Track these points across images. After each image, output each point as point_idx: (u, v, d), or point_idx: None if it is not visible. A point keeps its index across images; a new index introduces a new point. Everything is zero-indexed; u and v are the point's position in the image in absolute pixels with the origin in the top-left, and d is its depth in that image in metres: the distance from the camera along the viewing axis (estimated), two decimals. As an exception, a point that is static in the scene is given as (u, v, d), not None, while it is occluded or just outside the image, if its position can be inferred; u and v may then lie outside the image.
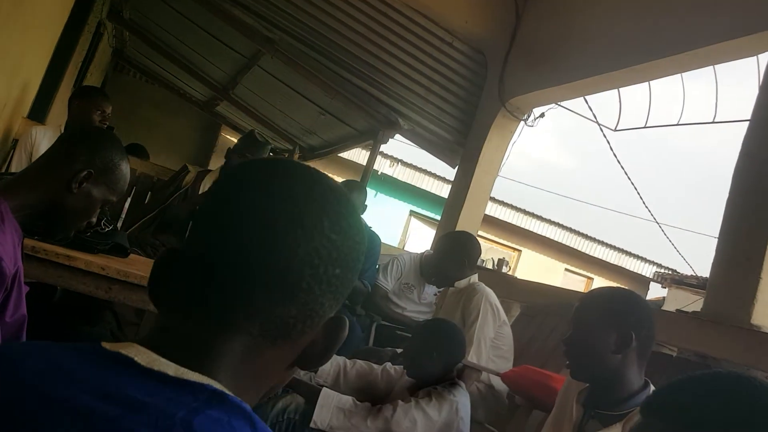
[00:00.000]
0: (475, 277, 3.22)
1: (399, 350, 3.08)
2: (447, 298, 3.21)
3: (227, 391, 0.60)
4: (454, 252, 3.22)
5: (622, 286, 2.03)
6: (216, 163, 3.49)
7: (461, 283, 3.18)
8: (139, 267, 2.20)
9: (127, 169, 1.58)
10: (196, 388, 0.59)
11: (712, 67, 3.88)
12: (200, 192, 3.55)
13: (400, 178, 13.02)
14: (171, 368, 0.59)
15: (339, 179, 12.63)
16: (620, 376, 1.70)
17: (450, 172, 5.81)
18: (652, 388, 1.72)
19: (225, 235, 0.66)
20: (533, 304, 3.62)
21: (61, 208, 1.47)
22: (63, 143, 1.54)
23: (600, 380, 1.73)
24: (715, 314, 2.51)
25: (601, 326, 1.70)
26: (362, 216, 3.42)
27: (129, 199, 4.32)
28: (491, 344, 3.04)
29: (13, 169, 3.57)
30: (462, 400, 2.27)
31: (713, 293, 2.62)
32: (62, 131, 3.59)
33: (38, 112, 4.90)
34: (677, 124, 4.54)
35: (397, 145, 7.60)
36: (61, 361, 0.60)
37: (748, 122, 2.78)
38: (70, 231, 1.57)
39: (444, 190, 12.44)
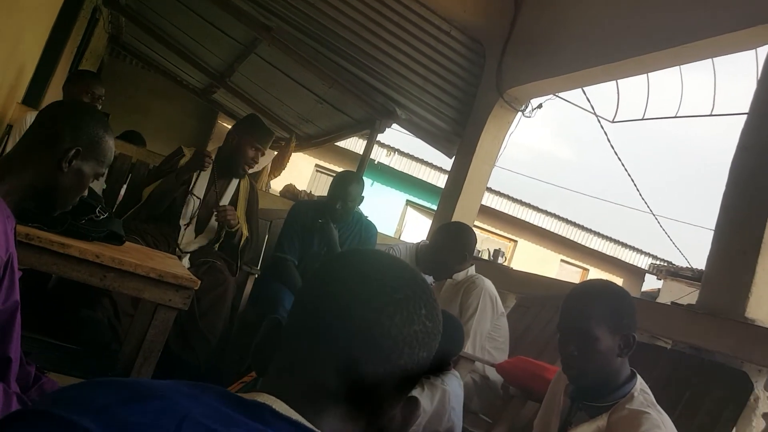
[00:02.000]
0: (472, 269, 3.22)
1: None
2: (444, 290, 3.20)
3: None
4: (453, 244, 3.20)
5: (607, 281, 2.01)
6: (212, 148, 3.47)
7: (459, 275, 3.17)
8: (134, 255, 2.19)
9: (112, 140, 1.59)
10: None
11: (710, 59, 3.88)
12: (194, 178, 3.43)
13: (396, 167, 13.02)
14: (304, 421, 0.68)
15: (336, 168, 12.67)
16: (615, 373, 1.70)
17: (446, 162, 5.81)
18: (639, 378, 1.73)
19: (337, 314, 0.73)
20: (529, 295, 3.62)
21: (54, 187, 1.48)
22: (44, 123, 1.53)
23: (598, 381, 1.72)
24: (710, 307, 2.52)
25: (607, 332, 1.67)
26: (360, 207, 3.40)
27: (125, 187, 4.30)
28: (488, 336, 3.04)
29: (8, 154, 3.55)
30: (455, 390, 2.27)
31: (708, 286, 2.63)
32: None
33: (33, 98, 4.87)
34: (675, 117, 4.54)
35: (394, 134, 7.62)
36: (217, 405, 0.64)
37: (745, 115, 2.77)
38: (64, 209, 1.58)
39: (440, 180, 12.44)
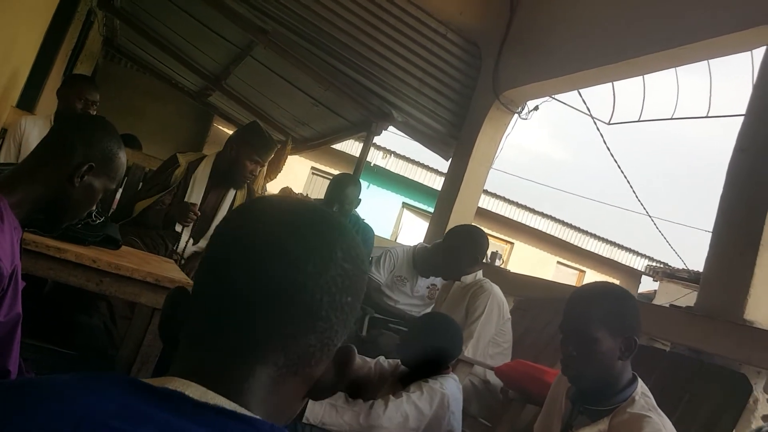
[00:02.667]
0: (480, 273, 3.22)
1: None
2: (452, 293, 3.20)
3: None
4: (468, 247, 3.21)
5: (611, 283, 2.00)
6: (208, 152, 3.43)
7: (467, 278, 3.17)
8: (131, 259, 2.18)
9: (125, 156, 1.59)
10: (254, 422, 0.61)
11: (706, 61, 3.88)
12: (190, 189, 3.34)
13: (392, 169, 13.01)
14: (224, 402, 0.61)
15: (332, 171, 12.64)
16: (616, 376, 1.69)
17: (443, 164, 5.80)
18: (640, 382, 1.72)
19: (247, 268, 0.67)
20: (527, 297, 3.62)
21: (64, 201, 1.48)
22: (58, 135, 1.52)
23: (599, 384, 1.71)
24: (709, 309, 2.52)
25: (607, 335, 1.66)
26: (356, 209, 3.38)
27: (120, 190, 4.28)
28: (492, 341, 3.04)
29: (2, 159, 3.52)
30: (454, 393, 2.26)
31: (706, 288, 2.63)
32: (52, 122, 3.55)
33: (27, 102, 4.85)
34: (671, 118, 4.55)
35: (390, 136, 7.61)
36: (123, 400, 0.58)
37: (741, 117, 2.78)
38: (71, 222, 1.58)
39: (437, 182, 12.44)
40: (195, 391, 0.61)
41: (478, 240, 3.26)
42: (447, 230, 3.53)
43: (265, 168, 7.71)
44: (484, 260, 6.03)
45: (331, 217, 0.74)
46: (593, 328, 1.67)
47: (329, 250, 0.69)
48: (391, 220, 13.64)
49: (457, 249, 3.22)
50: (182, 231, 3.25)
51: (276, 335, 0.66)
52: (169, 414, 0.57)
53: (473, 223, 4.64)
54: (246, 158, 3.33)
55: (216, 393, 0.62)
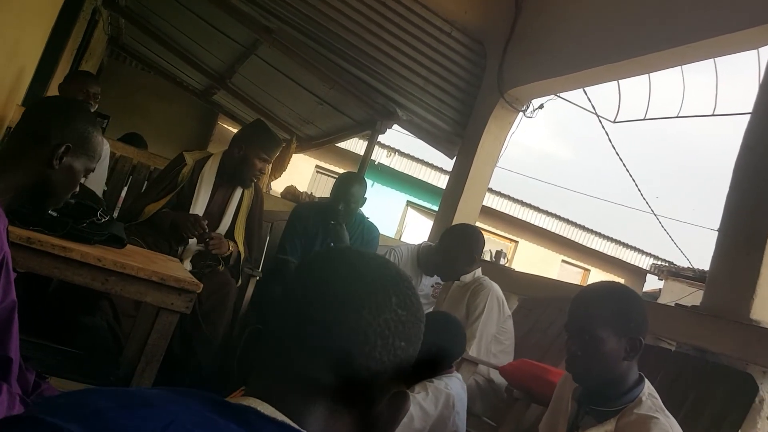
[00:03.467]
0: (479, 271, 3.21)
1: None
2: (451, 292, 3.19)
3: None
4: (462, 246, 3.20)
5: (618, 283, 1.99)
6: (213, 150, 3.42)
7: (466, 278, 3.16)
8: (136, 258, 2.18)
9: (100, 134, 1.59)
10: None
11: (712, 59, 3.86)
12: (198, 188, 3.30)
13: (397, 168, 13.01)
14: (290, 422, 0.68)
15: (337, 169, 12.63)
16: (622, 377, 1.68)
17: (447, 163, 5.79)
18: (647, 382, 1.71)
19: (310, 313, 0.75)
20: (531, 297, 3.61)
21: (47, 185, 1.48)
22: (31, 120, 1.52)
23: (603, 384, 1.71)
24: (714, 308, 2.50)
25: (612, 334, 1.65)
26: (362, 208, 3.37)
27: (125, 189, 4.29)
28: (494, 339, 3.04)
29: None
30: (458, 393, 2.25)
31: (712, 287, 2.61)
32: None
33: (33, 100, 4.86)
34: (677, 117, 4.53)
35: (395, 135, 7.59)
36: (205, 413, 0.65)
37: (748, 115, 2.76)
38: (57, 206, 1.58)
39: (441, 181, 12.43)
40: (266, 409, 0.68)
41: (474, 239, 3.25)
42: (443, 230, 3.51)
43: (270, 166, 7.73)
44: (489, 259, 6.01)
45: (392, 267, 0.81)
46: (598, 328, 1.66)
47: (385, 295, 0.75)
48: (396, 218, 13.63)
49: (453, 250, 3.21)
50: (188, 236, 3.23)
51: (331, 372, 0.72)
52: (240, 426, 0.64)
53: (476, 222, 4.64)
54: (254, 156, 3.31)
55: (281, 413, 0.69)
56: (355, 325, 0.73)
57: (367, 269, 0.78)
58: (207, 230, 3.15)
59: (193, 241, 3.24)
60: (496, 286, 3.08)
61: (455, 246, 3.20)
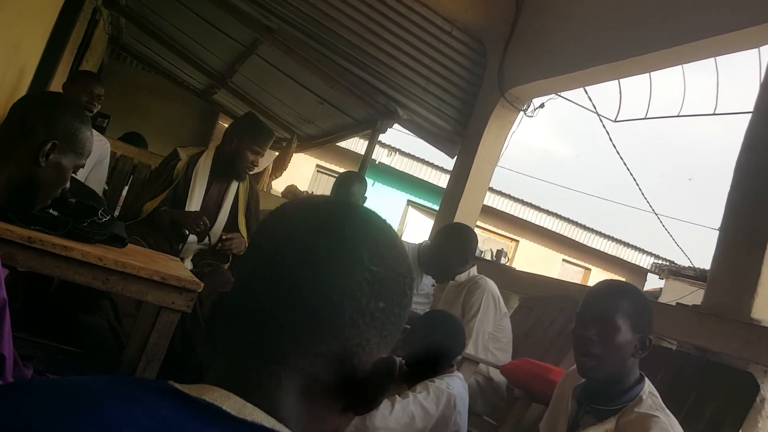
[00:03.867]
0: (474, 270, 3.20)
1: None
2: (447, 292, 3.19)
3: None
4: (456, 246, 3.19)
5: (628, 282, 2.00)
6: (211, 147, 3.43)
7: (461, 277, 3.16)
8: (137, 257, 2.18)
9: (90, 130, 1.57)
10: None
11: (713, 58, 3.86)
12: (192, 183, 3.31)
13: (397, 167, 13.00)
14: (262, 417, 0.59)
15: (337, 169, 12.59)
16: (625, 374, 1.69)
17: (448, 162, 5.79)
18: (647, 381, 1.72)
19: (265, 274, 0.66)
20: (532, 296, 3.61)
21: (34, 182, 1.47)
22: (17, 117, 1.51)
23: (607, 380, 1.71)
24: (715, 308, 2.51)
25: (628, 327, 1.66)
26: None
27: (126, 188, 4.29)
28: (491, 337, 3.03)
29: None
30: (460, 392, 2.25)
31: (713, 287, 2.61)
32: None
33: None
34: (678, 116, 4.53)
35: (395, 134, 7.59)
36: (157, 411, 0.57)
37: (749, 114, 2.76)
38: (45, 203, 1.57)
39: (441, 180, 12.43)
40: (233, 404, 0.59)
41: (466, 238, 3.24)
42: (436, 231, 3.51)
43: (270, 166, 7.74)
44: (490, 258, 6.01)
45: (358, 213, 0.69)
46: (618, 316, 1.68)
47: (352, 251, 0.65)
48: (396, 217, 13.63)
49: (443, 248, 3.20)
50: (188, 233, 3.23)
51: (299, 342, 0.63)
52: (208, 428, 0.56)
53: (477, 221, 4.64)
54: (246, 149, 3.31)
55: (253, 405, 0.60)
56: (318, 289, 0.63)
57: (327, 221, 0.66)
58: (209, 225, 3.16)
59: (193, 239, 3.25)
60: (491, 284, 3.07)
61: (448, 246, 3.20)
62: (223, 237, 3.20)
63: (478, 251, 3.94)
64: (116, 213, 4.04)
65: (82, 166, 1.59)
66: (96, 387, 0.58)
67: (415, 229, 12.79)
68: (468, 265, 3.19)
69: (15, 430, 0.53)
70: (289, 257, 0.64)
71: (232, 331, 0.67)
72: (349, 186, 3.60)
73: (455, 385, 2.25)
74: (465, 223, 3.48)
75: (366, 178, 3.95)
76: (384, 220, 0.71)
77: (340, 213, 0.68)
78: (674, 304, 3.02)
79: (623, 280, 2.10)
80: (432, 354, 2.30)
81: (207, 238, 3.26)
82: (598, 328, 1.70)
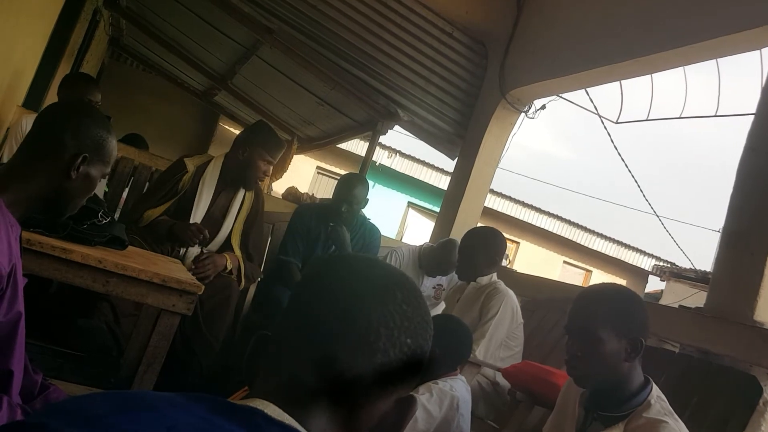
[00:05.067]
0: (495, 275, 3.20)
1: None
2: (467, 293, 3.18)
3: None
4: (486, 247, 3.20)
5: (619, 284, 1.98)
6: (214, 151, 3.42)
7: (483, 280, 3.16)
8: (137, 260, 2.17)
9: (114, 137, 1.57)
10: None
11: (714, 60, 3.85)
12: (199, 193, 3.25)
13: (398, 169, 13.00)
14: (296, 425, 0.68)
15: (338, 170, 12.56)
16: (625, 379, 1.67)
17: (448, 164, 5.78)
18: (653, 385, 1.70)
19: (311, 318, 0.75)
20: (534, 298, 3.60)
21: (64, 195, 1.47)
22: (44, 129, 1.50)
23: (606, 386, 1.69)
24: (718, 310, 2.49)
25: (612, 335, 1.64)
26: (363, 209, 3.34)
27: (127, 190, 4.28)
28: (504, 344, 3.03)
29: (6, 158, 3.51)
30: (463, 395, 2.24)
31: (716, 289, 2.60)
32: None
33: (33, 101, 4.85)
34: (679, 117, 4.52)
35: (396, 136, 7.58)
36: (208, 416, 0.64)
37: (751, 116, 2.75)
38: (73, 212, 1.57)
39: (442, 182, 12.42)
40: (273, 410, 0.68)
41: (496, 242, 3.26)
42: (460, 230, 3.51)
43: (271, 167, 7.72)
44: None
45: (396, 271, 0.82)
46: (598, 328, 1.65)
47: (389, 289, 0.76)
48: (397, 219, 13.62)
49: (473, 248, 3.20)
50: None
51: (335, 370, 0.71)
52: (246, 430, 0.62)
53: (477, 223, 4.63)
54: (258, 158, 3.26)
55: (290, 416, 0.68)
56: (358, 317, 0.73)
57: (370, 271, 0.79)
58: (208, 237, 3.12)
59: (196, 248, 3.21)
60: (511, 293, 3.08)
61: (478, 245, 3.20)
62: (201, 257, 3.10)
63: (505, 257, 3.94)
64: (116, 215, 4.03)
65: (108, 174, 1.60)
66: (152, 395, 0.66)
67: (416, 230, 12.78)
68: (494, 268, 3.19)
69: (83, 423, 0.60)
70: (340, 300, 0.75)
71: (278, 362, 0.75)
72: (352, 188, 3.59)
73: (458, 387, 2.24)
74: (495, 228, 3.45)
75: (368, 180, 3.94)
76: (410, 280, 0.82)
77: (379, 266, 0.82)
78: (676, 306, 3.00)
79: (606, 283, 2.07)
80: (438, 357, 2.28)
81: (207, 243, 3.23)
82: (580, 342, 1.69)
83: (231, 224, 3.32)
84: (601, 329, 1.65)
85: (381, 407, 0.74)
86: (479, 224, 4.06)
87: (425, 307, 0.79)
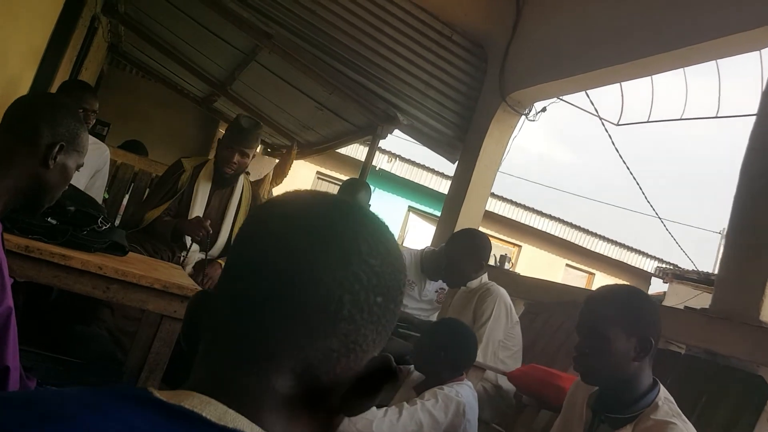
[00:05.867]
0: (485, 277, 3.18)
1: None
2: (457, 298, 3.16)
3: None
4: (471, 252, 3.17)
5: (630, 285, 1.97)
6: (213, 155, 3.46)
7: (473, 283, 3.13)
8: (137, 266, 2.15)
9: (86, 130, 1.58)
10: None
11: (714, 61, 3.84)
12: (195, 194, 3.31)
13: (398, 173, 12.99)
14: (245, 424, 0.56)
15: (338, 175, 12.53)
16: (634, 380, 1.65)
17: (448, 168, 5.76)
18: (661, 386, 1.68)
19: (257, 271, 0.61)
20: (537, 301, 3.58)
21: (42, 185, 1.47)
22: (18, 121, 1.50)
23: (614, 385, 1.68)
24: (724, 311, 2.48)
25: (621, 333, 1.63)
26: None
27: (127, 196, 4.27)
28: (501, 345, 3.00)
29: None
30: (469, 401, 2.22)
31: (722, 290, 2.58)
32: None
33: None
34: (680, 119, 4.51)
35: (396, 140, 7.59)
36: (132, 421, 0.54)
37: (753, 117, 2.74)
38: (50, 204, 1.57)
39: (442, 186, 12.41)
40: (214, 411, 0.55)
41: (481, 245, 3.22)
42: (449, 236, 3.48)
43: (271, 173, 7.72)
44: (494, 263, 5.99)
45: (353, 208, 0.67)
46: (606, 327, 1.65)
47: (350, 242, 0.62)
48: (397, 224, 13.60)
49: (457, 254, 3.17)
50: (191, 243, 3.22)
51: (291, 338, 0.59)
52: None
53: (479, 227, 4.61)
54: (224, 148, 3.30)
55: (236, 412, 0.56)
56: (313, 280, 0.59)
57: (321, 220, 0.63)
58: (211, 231, 3.14)
59: (195, 248, 3.23)
60: (503, 292, 3.05)
61: (462, 251, 3.17)
62: (204, 273, 3.13)
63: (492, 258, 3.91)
64: (117, 222, 4.01)
65: (82, 166, 1.59)
66: (69, 398, 0.55)
67: (417, 235, 12.76)
68: (481, 271, 3.16)
69: None
70: (284, 253, 0.61)
71: (216, 331, 0.63)
72: (354, 193, 3.60)
73: (464, 393, 2.21)
74: (478, 230, 3.44)
75: (370, 185, 3.93)
76: (377, 216, 0.68)
77: (334, 207, 0.66)
78: (682, 307, 2.99)
79: (618, 283, 2.07)
80: (444, 362, 2.26)
81: (209, 247, 3.23)
82: (589, 341, 1.69)
83: (230, 227, 3.36)
84: (609, 327, 1.65)
85: (349, 377, 0.62)
86: (465, 227, 4.02)
87: (394, 248, 0.66)
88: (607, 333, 1.64)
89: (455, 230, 4.55)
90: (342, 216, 0.65)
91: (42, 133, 1.45)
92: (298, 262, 0.60)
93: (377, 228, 0.66)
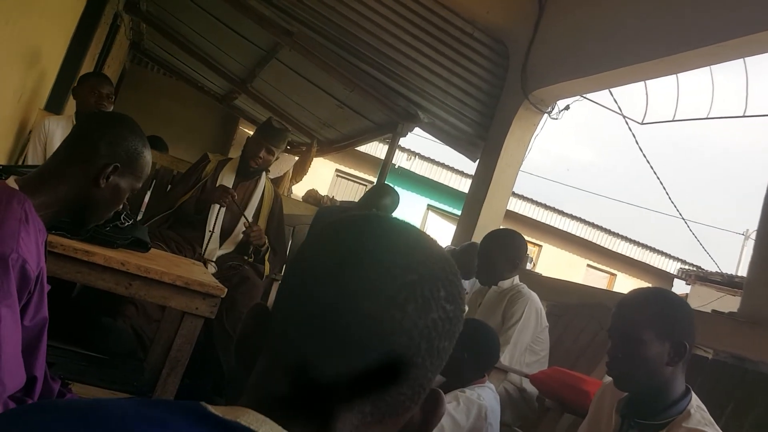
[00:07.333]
0: (517, 278, 3.15)
1: None
2: (488, 297, 3.13)
3: None
4: (507, 251, 3.13)
5: (663, 288, 1.92)
6: (234, 155, 3.50)
7: (505, 283, 3.10)
8: (160, 262, 2.15)
9: (150, 154, 1.56)
10: None
11: (742, 59, 3.77)
12: (219, 183, 3.44)
13: (417, 171, 12.96)
14: None
15: (357, 173, 12.53)
16: (667, 385, 1.61)
17: (468, 166, 5.73)
18: (694, 394, 1.64)
19: (340, 310, 0.58)
20: (560, 302, 3.53)
21: (90, 203, 1.45)
22: (80, 135, 1.49)
23: (646, 391, 1.64)
24: (753, 315, 2.42)
25: (654, 338, 1.59)
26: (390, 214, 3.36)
27: (149, 192, 4.29)
28: (529, 349, 2.97)
29: (29, 160, 3.53)
30: (492, 404, 2.18)
31: (750, 293, 2.53)
32: (74, 121, 3.55)
33: (55, 105, 4.88)
34: (706, 118, 4.43)
35: (415, 138, 7.57)
36: None
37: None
38: (98, 223, 1.55)
39: (462, 184, 12.35)
40: (270, 430, 0.54)
41: (517, 244, 3.19)
42: (483, 234, 3.45)
43: (291, 170, 7.73)
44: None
45: (434, 250, 0.63)
46: (640, 330, 1.61)
47: (432, 288, 0.60)
48: (416, 222, 13.57)
49: (496, 253, 3.14)
50: (209, 237, 3.27)
51: (363, 379, 0.58)
52: None
53: (500, 226, 4.57)
54: (253, 143, 3.48)
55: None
56: (397, 328, 0.57)
57: (410, 253, 0.60)
58: (236, 196, 3.33)
59: (215, 242, 3.29)
60: (535, 296, 3.01)
61: (498, 249, 3.14)
62: (252, 227, 3.33)
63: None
64: (139, 217, 4.03)
65: (138, 190, 1.58)
66: (123, 409, 0.55)
67: (436, 234, 12.73)
68: (515, 271, 3.13)
69: None
70: (370, 292, 0.58)
71: (279, 355, 0.60)
72: (383, 196, 3.69)
73: (487, 396, 2.18)
74: (514, 230, 3.40)
75: (397, 194, 3.96)
76: (448, 255, 0.65)
77: (414, 242, 0.63)
78: (710, 311, 2.93)
79: (651, 286, 2.02)
80: (466, 364, 2.23)
81: (241, 209, 3.39)
82: (622, 345, 1.65)
83: (250, 219, 3.41)
84: (642, 332, 1.61)
85: (408, 414, 0.61)
86: (503, 227, 4.00)
87: (462, 293, 0.64)
88: (641, 337, 1.61)
89: (476, 229, 4.52)
90: (424, 254, 0.62)
91: (99, 151, 1.44)
92: (385, 309, 0.57)
93: (452, 268, 0.63)
